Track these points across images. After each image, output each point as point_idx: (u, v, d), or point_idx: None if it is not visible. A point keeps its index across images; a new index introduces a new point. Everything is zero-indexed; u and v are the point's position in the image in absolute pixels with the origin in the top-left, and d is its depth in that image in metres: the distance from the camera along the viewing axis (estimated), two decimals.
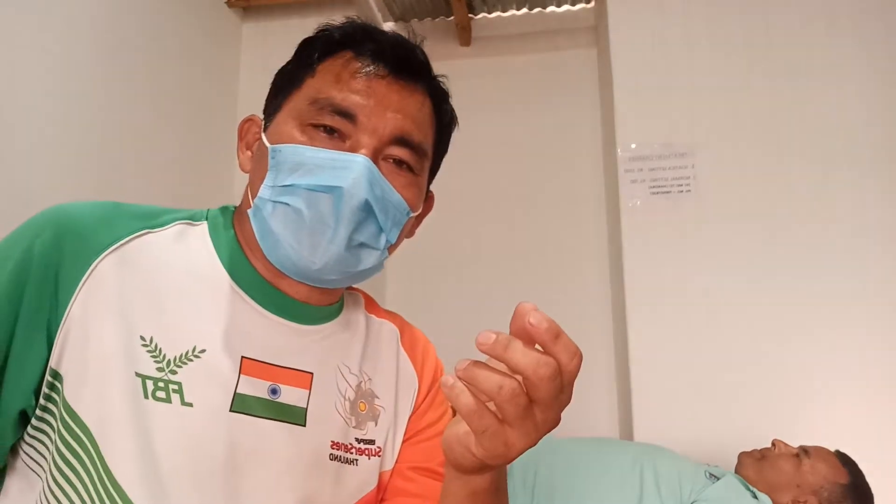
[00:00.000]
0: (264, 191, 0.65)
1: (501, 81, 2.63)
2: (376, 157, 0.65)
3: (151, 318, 0.61)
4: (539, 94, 2.59)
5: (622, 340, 2.19)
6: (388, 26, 2.75)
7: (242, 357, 0.64)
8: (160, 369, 0.60)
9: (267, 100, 0.73)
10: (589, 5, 2.59)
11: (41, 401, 0.59)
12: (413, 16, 2.72)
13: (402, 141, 0.67)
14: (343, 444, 0.70)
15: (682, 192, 2.15)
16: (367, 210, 0.64)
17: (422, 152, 0.69)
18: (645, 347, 2.10)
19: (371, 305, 0.83)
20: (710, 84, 2.18)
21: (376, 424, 0.74)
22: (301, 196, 0.63)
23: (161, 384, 0.60)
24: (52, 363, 0.59)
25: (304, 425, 0.67)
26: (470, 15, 2.59)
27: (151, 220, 0.67)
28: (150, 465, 0.57)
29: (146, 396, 0.59)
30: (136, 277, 0.62)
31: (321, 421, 0.68)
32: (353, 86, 0.66)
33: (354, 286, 0.82)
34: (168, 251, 0.66)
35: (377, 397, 0.75)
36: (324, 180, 0.62)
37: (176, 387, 0.60)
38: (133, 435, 0.58)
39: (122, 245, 0.63)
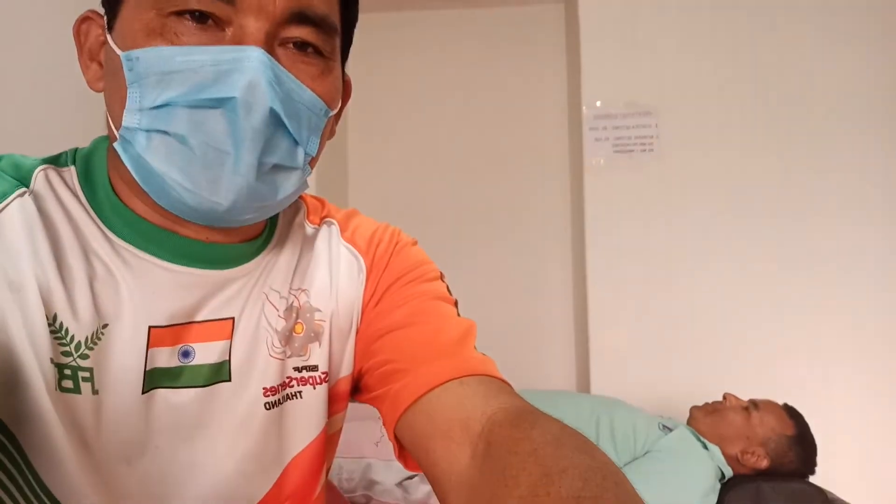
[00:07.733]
0: (129, 116, 0.48)
1: (467, 33, 2.57)
2: (271, 44, 0.49)
3: (51, 294, 0.49)
4: (505, 48, 2.54)
5: (581, 296, 2.22)
6: None
7: (150, 327, 0.53)
8: (66, 353, 0.49)
9: None
10: None
11: None
12: None
13: (301, 17, 0.50)
14: (277, 385, 0.58)
15: (644, 150, 2.16)
16: (274, 121, 0.49)
17: (328, 27, 0.52)
18: (604, 304, 2.13)
19: (315, 212, 0.67)
20: (677, 44, 2.17)
21: (320, 345, 0.62)
22: (181, 117, 0.47)
23: (68, 371, 0.49)
24: None
25: (230, 380, 0.56)
26: None
27: (19, 171, 0.52)
28: (71, 461, 0.49)
29: (57, 388, 0.48)
30: (21, 248, 0.49)
31: (249, 368, 0.57)
32: None
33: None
34: (47, 211, 0.51)
35: (318, 310, 0.62)
36: (208, 91, 0.47)
37: (87, 374, 0.50)
38: (50, 432, 0.48)
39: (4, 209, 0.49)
